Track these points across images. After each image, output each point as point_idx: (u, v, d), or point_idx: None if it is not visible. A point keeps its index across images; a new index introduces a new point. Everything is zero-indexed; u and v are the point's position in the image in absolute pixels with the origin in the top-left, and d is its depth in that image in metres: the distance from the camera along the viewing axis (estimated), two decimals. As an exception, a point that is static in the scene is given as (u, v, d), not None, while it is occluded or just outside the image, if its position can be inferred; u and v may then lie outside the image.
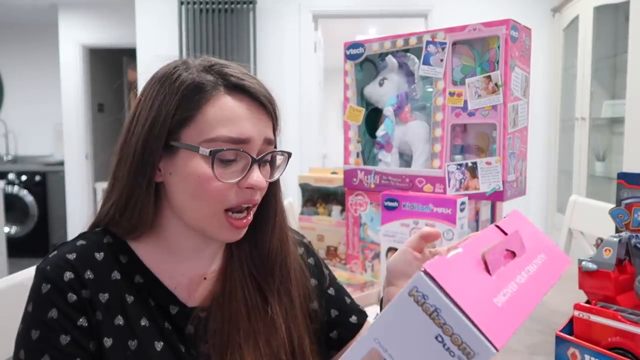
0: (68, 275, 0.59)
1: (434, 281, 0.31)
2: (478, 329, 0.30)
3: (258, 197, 0.63)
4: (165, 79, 0.61)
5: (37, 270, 0.60)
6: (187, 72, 0.61)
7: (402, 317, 0.32)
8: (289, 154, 0.68)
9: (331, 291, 0.76)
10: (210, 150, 0.58)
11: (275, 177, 0.67)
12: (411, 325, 0.32)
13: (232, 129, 0.59)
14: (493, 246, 0.37)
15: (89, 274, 0.60)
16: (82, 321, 0.58)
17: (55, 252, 0.62)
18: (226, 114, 0.59)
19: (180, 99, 0.59)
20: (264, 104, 0.62)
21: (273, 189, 0.69)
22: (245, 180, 0.60)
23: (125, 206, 0.62)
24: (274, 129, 0.65)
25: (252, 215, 0.64)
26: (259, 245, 0.68)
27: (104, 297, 0.60)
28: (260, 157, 0.61)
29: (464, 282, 0.33)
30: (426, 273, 0.31)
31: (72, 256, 0.60)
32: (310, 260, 0.77)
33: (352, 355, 0.35)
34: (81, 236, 0.65)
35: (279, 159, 0.68)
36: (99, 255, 0.62)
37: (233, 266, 0.68)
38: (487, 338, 0.29)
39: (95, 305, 0.59)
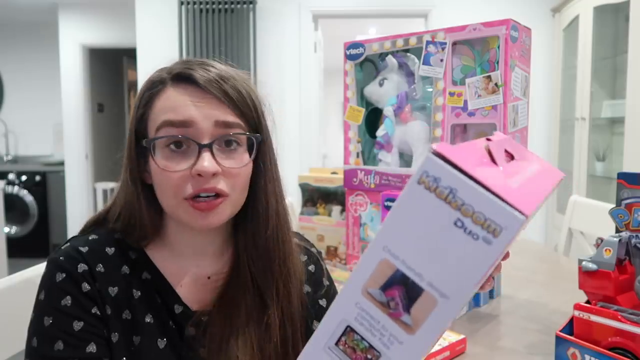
0: (82, 266, 0.60)
1: (446, 161, 0.27)
2: (501, 199, 0.26)
3: (217, 185, 0.59)
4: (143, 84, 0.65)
5: (50, 261, 0.61)
6: (157, 72, 0.64)
7: (412, 211, 0.29)
8: (256, 138, 0.63)
9: (323, 302, 0.74)
10: (145, 140, 0.60)
11: (245, 163, 0.62)
12: (424, 217, 0.28)
13: (171, 114, 0.59)
14: (495, 141, 0.34)
15: (100, 268, 0.61)
16: (95, 310, 0.59)
17: (68, 244, 0.63)
18: (167, 103, 0.60)
19: (139, 98, 0.63)
20: (205, 87, 0.59)
21: (260, 179, 0.65)
22: (194, 167, 0.58)
23: (131, 213, 0.64)
24: (240, 114, 0.61)
25: (225, 204, 0.61)
26: (256, 240, 0.66)
27: (113, 290, 0.61)
28: (209, 142, 0.59)
29: (475, 163, 0.29)
30: (435, 154, 0.28)
31: (84, 249, 0.62)
32: (310, 268, 0.75)
33: (359, 276, 0.31)
34: (92, 231, 0.66)
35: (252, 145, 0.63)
36: (110, 250, 0.63)
37: (238, 270, 0.68)
38: (512, 206, 0.26)
39: (105, 299, 0.60)
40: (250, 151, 0.63)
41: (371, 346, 0.31)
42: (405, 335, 0.30)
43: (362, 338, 0.32)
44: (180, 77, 0.61)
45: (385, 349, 0.31)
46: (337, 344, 0.33)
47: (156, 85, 0.62)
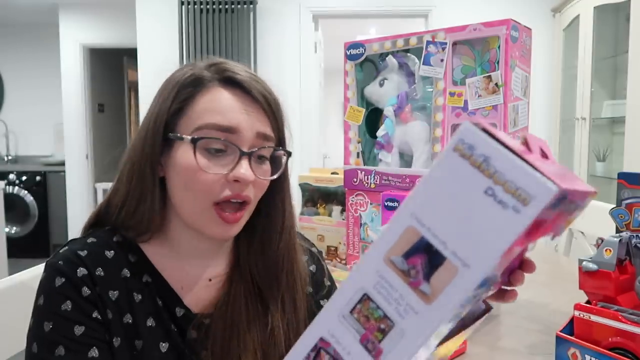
0: (81, 270, 0.59)
1: (482, 130, 0.28)
2: (534, 168, 0.26)
3: (249, 194, 0.61)
4: (170, 79, 0.63)
5: (49, 265, 0.60)
6: (190, 69, 0.63)
7: (445, 178, 0.28)
8: (288, 153, 0.66)
9: (324, 303, 0.73)
10: (192, 138, 0.59)
11: (274, 176, 0.64)
12: (456, 184, 0.28)
13: (219, 117, 0.59)
14: (532, 136, 0.33)
15: (99, 272, 0.60)
16: (96, 314, 0.58)
17: (66, 247, 0.62)
18: (216, 104, 0.60)
19: (177, 91, 0.61)
20: (256, 98, 0.61)
21: (280, 192, 0.67)
22: (232, 172, 0.59)
23: (136, 205, 0.62)
24: (275, 128, 0.64)
25: (245, 213, 0.62)
26: (265, 250, 0.67)
27: (113, 294, 0.60)
28: (251, 150, 0.60)
29: (510, 139, 0.29)
30: (473, 123, 0.28)
31: (83, 253, 0.60)
32: (312, 268, 0.75)
33: (383, 243, 0.31)
34: (91, 234, 0.65)
35: (281, 158, 0.66)
36: (109, 254, 0.62)
37: (239, 272, 0.68)
38: (545, 176, 0.25)
39: (106, 303, 0.59)
40: (273, 164, 0.65)
41: (385, 315, 0.31)
42: (421, 305, 0.29)
43: (378, 307, 0.31)
44: (230, 80, 0.61)
45: (399, 319, 0.30)
46: (351, 312, 0.32)
47: (199, 83, 0.61)
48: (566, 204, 0.29)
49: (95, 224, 0.67)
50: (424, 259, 0.29)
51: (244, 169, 0.59)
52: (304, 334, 0.34)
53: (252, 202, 0.63)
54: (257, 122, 0.61)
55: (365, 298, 0.31)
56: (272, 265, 0.67)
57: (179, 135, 0.60)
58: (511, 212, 0.26)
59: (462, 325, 0.40)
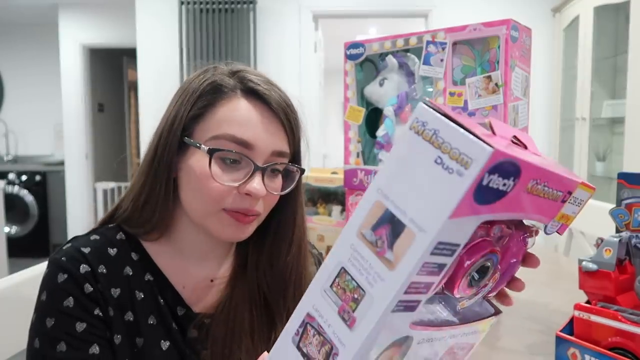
0: (84, 267, 0.59)
1: (434, 109, 0.31)
2: (475, 136, 0.28)
3: (259, 208, 0.61)
4: (191, 82, 0.63)
5: (52, 261, 0.60)
6: (212, 74, 0.63)
7: (403, 154, 0.31)
8: (302, 170, 0.66)
9: None
10: (209, 148, 0.58)
11: (285, 191, 0.64)
12: (412, 158, 0.31)
13: (238, 129, 0.59)
14: (499, 122, 0.36)
15: (102, 269, 0.60)
16: (98, 311, 0.58)
17: (69, 244, 0.62)
18: (236, 115, 0.60)
19: (198, 96, 0.61)
20: (276, 113, 0.61)
21: (292, 205, 0.67)
22: (244, 185, 0.59)
23: (145, 202, 0.62)
24: (291, 142, 0.64)
25: (255, 221, 0.63)
26: (274, 262, 0.67)
27: (115, 292, 0.61)
28: (265, 165, 0.60)
29: (467, 119, 0.31)
30: (426, 103, 0.31)
31: (86, 250, 0.61)
32: (311, 270, 0.75)
33: (356, 219, 0.33)
34: (94, 231, 0.65)
35: (294, 173, 0.66)
36: (112, 251, 0.63)
37: (243, 276, 0.68)
38: (483, 141, 0.28)
39: (108, 301, 0.60)
40: (285, 178, 0.65)
41: (358, 285, 0.32)
42: (386, 272, 0.31)
43: (352, 278, 0.33)
44: (252, 92, 0.61)
45: (369, 287, 0.32)
46: (331, 286, 0.34)
47: (221, 90, 0.61)
48: (526, 178, 0.30)
49: (108, 221, 0.68)
50: (388, 228, 0.31)
51: (257, 183, 0.59)
52: (294, 311, 0.36)
53: (262, 213, 0.63)
54: (274, 138, 0.61)
55: (343, 271, 0.33)
56: (279, 277, 0.67)
57: (195, 142, 0.60)
58: (455, 175, 0.28)
59: (464, 319, 0.40)
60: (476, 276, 0.36)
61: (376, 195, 0.32)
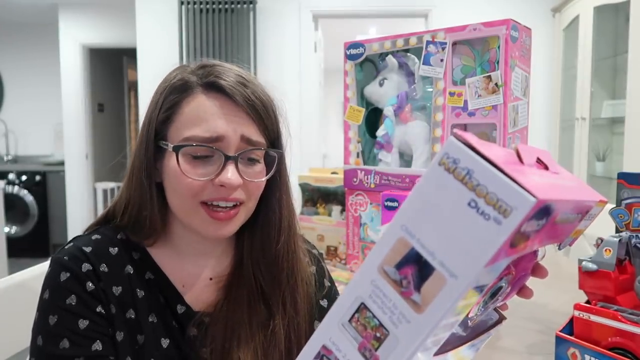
0: (86, 266, 0.60)
1: (466, 144, 0.29)
2: (514, 181, 0.27)
3: (238, 196, 0.61)
4: (162, 82, 0.64)
5: (54, 260, 0.61)
6: (179, 73, 0.63)
7: (431, 191, 0.30)
8: (279, 154, 0.65)
9: (324, 303, 0.74)
10: (174, 146, 0.60)
11: (266, 177, 0.64)
12: (442, 197, 0.29)
13: (204, 127, 0.59)
14: (525, 146, 0.34)
15: (103, 268, 0.61)
16: (100, 309, 0.59)
17: (71, 244, 0.63)
18: (199, 113, 0.60)
19: (163, 99, 0.62)
20: (238, 103, 0.61)
21: (276, 192, 0.67)
22: (217, 177, 0.59)
23: (138, 210, 0.63)
24: (263, 131, 0.63)
25: (241, 212, 0.63)
26: (265, 249, 0.67)
27: (117, 290, 0.61)
28: (236, 154, 0.60)
29: (497, 151, 0.30)
30: (456, 137, 0.29)
31: (88, 249, 0.62)
32: (312, 269, 0.75)
33: (377, 254, 0.32)
34: (95, 231, 0.66)
35: (273, 159, 0.65)
36: (113, 250, 0.63)
37: (241, 272, 0.68)
38: (523, 188, 0.26)
39: (110, 298, 0.60)
40: (268, 165, 0.65)
41: (381, 324, 0.32)
42: (413, 314, 0.30)
43: (374, 316, 0.32)
44: (212, 85, 0.61)
45: (393, 328, 0.31)
46: (350, 320, 0.33)
47: (184, 89, 0.61)
48: (557, 214, 0.29)
49: (101, 224, 0.69)
50: (415, 269, 0.30)
51: (230, 173, 0.59)
52: (309, 340, 0.35)
53: (247, 202, 0.63)
54: (241, 127, 0.61)
55: (363, 307, 0.32)
56: (272, 265, 0.67)
57: (165, 143, 0.61)
58: (493, 223, 0.27)
59: (474, 333, 0.40)
60: (490, 296, 0.36)
61: (400, 231, 0.31)
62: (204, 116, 0.60)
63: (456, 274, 0.28)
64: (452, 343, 0.37)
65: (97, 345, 0.57)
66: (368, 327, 0.32)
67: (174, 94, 0.62)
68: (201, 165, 0.60)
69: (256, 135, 0.62)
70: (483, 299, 0.34)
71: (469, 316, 0.36)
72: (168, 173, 0.61)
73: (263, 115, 0.62)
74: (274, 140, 0.66)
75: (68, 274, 0.59)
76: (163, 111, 0.62)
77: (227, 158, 0.60)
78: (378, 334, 0.32)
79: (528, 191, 0.26)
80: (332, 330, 0.34)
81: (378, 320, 0.32)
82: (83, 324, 0.57)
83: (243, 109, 0.61)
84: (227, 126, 0.60)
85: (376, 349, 0.31)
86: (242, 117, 0.61)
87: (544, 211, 0.27)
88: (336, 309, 0.34)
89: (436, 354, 0.35)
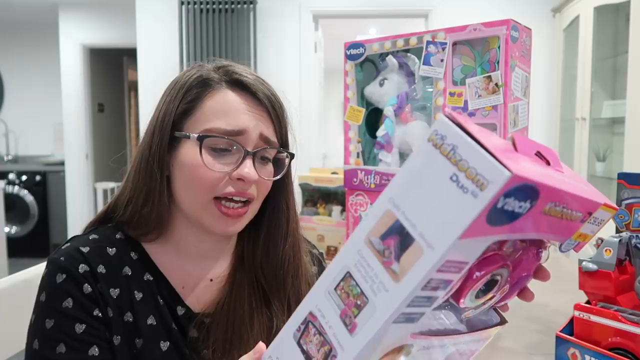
0: (83, 267, 0.59)
1: (455, 123, 0.29)
2: (494, 157, 0.27)
3: (252, 192, 0.62)
4: (179, 79, 0.64)
5: (50, 261, 0.60)
6: (197, 70, 0.64)
7: (419, 166, 0.31)
8: (291, 155, 0.67)
9: None
10: (199, 135, 0.60)
11: (277, 176, 0.66)
12: (427, 172, 0.30)
13: (227, 121, 0.60)
14: (522, 137, 0.34)
15: (101, 269, 0.60)
16: (97, 312, 0.58)
17: (68, 244, 0.62)
18: (223, 107, 0.61)
19: (185, 92, 0.62)
20: (262, 100, 0.62)
21: (284, 194, 0.68)
22: (235, 170, 0.60)
23: (143, 203, 0.62)
24: (277, 131, 0.65)
25: (249, 210, 0.63)
26: (270, 252, 0.67)
27: (114, 292, 0.60)
28: (255, 150, 0.62)
29: (493, 138, 0.31)
30: (447, 116, 0.30)
31: (85, 249, 0.61)
32: (313, 269, 0.76)
33: (365, 225, 0.33)
34: (93, 231, 0.65)
35: (283, 160, 0.67)
36: (111, 251, 0.63)
37: (242, 273, 0.68)
38: (501, 163, 0.27)
39: (107, 301, 0.59)
40: (276, 166, 0.66)
41: (362, 292, 0.33)
42: (391, 283, 0.31)
43: (357, 284, 0.33)
44: (237, 83, 0.62)
45: (373, 296, 0.32)
46: (335, 288, 0.34)
47: (207, 84, 0.62)
48: (544, 201, 0.29)
49: (101, 221, 0.68)
50: (397, 240, 0.31)
51: (248, 167, 0.60)
52: (298, 306, 0.36)
53: (255, 201, 0.64)
54: (261, 124, 0.62)
55: (348, 276, 0.34)
56: (277, 268, 0.67)
57: (185, 134, 0.61)
58: (470, 196, 0.28)
59: (471, 327, 0.40)
60: (483, 288, 0.36)
61: (387, 204, 0.32)
62: (229, 110, 0.61)
63: (433, 245, 0.29)
64: (444, 333, 0.38)
65: (94, 350, 0.57)
66: (350, 295, 0.33)
67: (196, 88, 0.62)
68: (220, 159, 0.60)
69: (272, 136, 0.64)
70: (475, 285, 0.34)
71: (462, 305, 0.36)
72: (183, 164, 0.61)
73: (280, 115, 0.65)
74: (284, 143, 0.67)
75: (64, 276, 0.58)
76: (184, 103, 0.62)
77: (247, 153, 0.60)
78: (359, 302, 0.33)
79: (505, 165, 0.27)
80: (319, 298, 0.35)
81: (360, 288, 0.33)
82: (80, 328, 0.57)
83: (264, 107, 0.63)
84: (250, 122, 0.61)
85: (355, 316, 0.33)
86: (262, 116, 0.63)
87: (525, 192, 0.28)
88: (324, 277, 0.35)
89: (423, 334, 0.35)
